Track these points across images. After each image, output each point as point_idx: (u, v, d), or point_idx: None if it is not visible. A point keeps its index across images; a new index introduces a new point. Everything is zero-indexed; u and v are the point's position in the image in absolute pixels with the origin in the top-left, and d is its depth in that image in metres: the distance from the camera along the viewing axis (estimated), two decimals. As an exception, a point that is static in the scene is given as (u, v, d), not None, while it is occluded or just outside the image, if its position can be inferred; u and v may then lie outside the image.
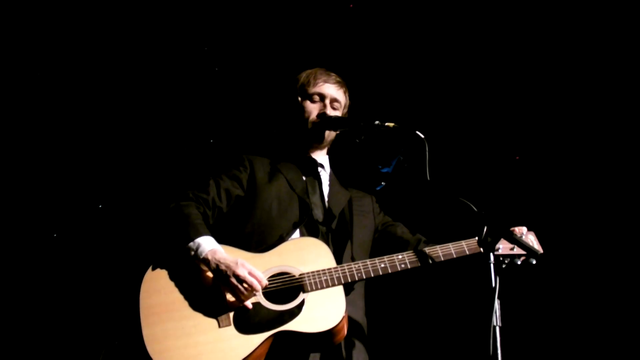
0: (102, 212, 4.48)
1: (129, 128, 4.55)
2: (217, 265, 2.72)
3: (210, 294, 2.74)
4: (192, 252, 2.76)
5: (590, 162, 4.53)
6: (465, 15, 4.64)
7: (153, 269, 2.79)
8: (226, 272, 2.70)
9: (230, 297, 2.73)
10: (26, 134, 4.41)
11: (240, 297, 2.71)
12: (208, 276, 2.77)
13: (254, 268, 2.74)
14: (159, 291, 2.73)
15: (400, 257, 2.90)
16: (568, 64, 4.56)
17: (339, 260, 2.90)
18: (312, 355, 2.81)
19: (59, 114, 4.46)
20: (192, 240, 2.77)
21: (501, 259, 2.89)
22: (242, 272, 2.70)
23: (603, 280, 4.39)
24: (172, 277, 2.77)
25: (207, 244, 2.77)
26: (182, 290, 2.74)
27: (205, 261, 2.74)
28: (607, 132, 4.52)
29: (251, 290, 2.71)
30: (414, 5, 4.66)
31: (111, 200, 4.51)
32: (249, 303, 2.72)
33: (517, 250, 2.88)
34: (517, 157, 4.72)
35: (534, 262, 2.92)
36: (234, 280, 2.69)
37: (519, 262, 2.93)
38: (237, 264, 2.71)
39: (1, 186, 4.31)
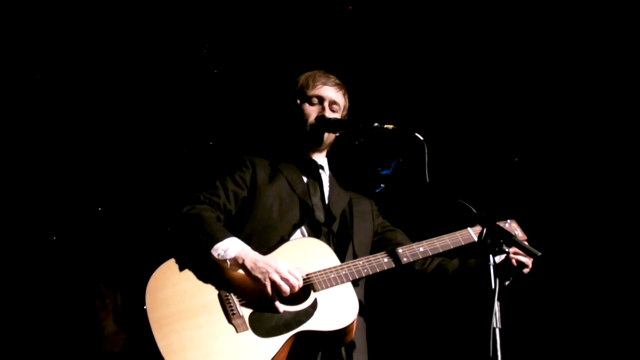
0: (101, 214, 4.48)
1: (129, 130, 4.55)
2: (255, 263, 2.70)
3: (221, 299, 2.71)
4: (222, 252, 2.72)
5: (589, 163, 4.54)
6: (464, 18, 4.64)
7: (155, 279, 2.73)
8: (267, 269, 2.69)
9: (249, 299, 2.70)
10: (27, 137, 4.41)
11: (274, 296, 2.69)
12: (220, 280, 2.74)
13: (292, 266, 2.73)
14: (166, 301, 2.67)
15: (400, 251, 2.94)
16: (566, 65, 4.57)
17: (342, 260, 2.91)
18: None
19: (59, 116, 4.46)
20: (221, 240, 2.74)
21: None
22: (284, 270, 2.69)
23: (602, 281, 4.39)
24: (178, 285, 2.72)
25: (236, 244, 2.75)
26: (192, 298, 2.69)
27: (238, 260, 2.72)
28: (605, 133, 4.53)
29: (291, 289, 2.69)
30: (413, 8, 4.66)
31: (111, 202, 4.50)
32: (279, 304, 2.70)
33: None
34: (516, 159, 4.73)
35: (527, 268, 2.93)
36: (276, 277, 2.67)
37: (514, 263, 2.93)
38: (276, 261, 2.71)
39: (1, 189, 4.32)
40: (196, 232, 2.79)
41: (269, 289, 2.69)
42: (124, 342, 4.20)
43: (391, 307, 4.51)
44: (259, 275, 2.70)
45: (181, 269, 2.77)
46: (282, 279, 2.68)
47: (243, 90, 4.71)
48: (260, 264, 2.70)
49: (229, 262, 2.73)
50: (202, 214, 2.85)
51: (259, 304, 2.72)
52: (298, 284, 2.71)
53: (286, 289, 2.68)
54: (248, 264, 2.71)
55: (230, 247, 2.74)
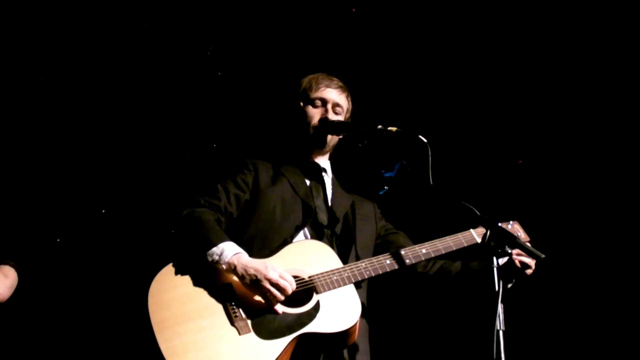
0: (105, 217, 4.47)
1: (132, 132, 4.56)
2: (246, 270, 2.70)
3: (224, 301, 2.71)
4: (216, 257, 2.72)
5: (593, 166, 4.53)
6: (468, 20, 4.64)
7: (157, 281, 2.73)
8: (256, 275, 2.68)
9: (251, 302, 2.71)
10: (31, 139, 4.42)
11: (271, 301, 2.69)
12: (222, 283, 2.74)
13: (284, 271, 2.72)
14: (169, 303, 2.67)
15: (403, 252, 2.94)
16: (570, 68, 4.57)
17: (344, 262, 2.91)
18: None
19: (61, 119, 4.46)
20: (215, 245, 2.74)
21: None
22: (274, 275, 2.68)
23: (605, 283, 4.39)
24: (181, 287, 2.72)
25: (230, 249, 2.74)
26: (194, 301, 2.69)
27: (231, 266, 2.71)
28: (609, 136, 4.53)
29: (283, 294, 2.69)
30: (417, 10, 4.66)
31: (114, 205, 4.50)
32: (279, 307, 2.70)
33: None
34: (520, 161, 4.73)
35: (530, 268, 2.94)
36: (266, 284, 2.67)
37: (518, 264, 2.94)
38: (266, 267, 2.70)
39: (4, 189, 4.32)
40: (193, 236, 2.79)
41: (261, 294, 2.70)
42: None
43: (394, 309, 4.51)
44: (249, 282, 2.70)
45: (183, 271, 2.76)
46: (272, 284, 2.67)
47: (246, 93, 4.71)
48: (250, 271, 2.70)
49: (224, 267, 2.73)
50: (202, 217, 2.85)
51: (261, 306, 2.72)
52: (290, 287, 2.70)
53: (277, 294, 2.68)
54: (239, 271, 2.71)
55: (224, 252, 2.73)
